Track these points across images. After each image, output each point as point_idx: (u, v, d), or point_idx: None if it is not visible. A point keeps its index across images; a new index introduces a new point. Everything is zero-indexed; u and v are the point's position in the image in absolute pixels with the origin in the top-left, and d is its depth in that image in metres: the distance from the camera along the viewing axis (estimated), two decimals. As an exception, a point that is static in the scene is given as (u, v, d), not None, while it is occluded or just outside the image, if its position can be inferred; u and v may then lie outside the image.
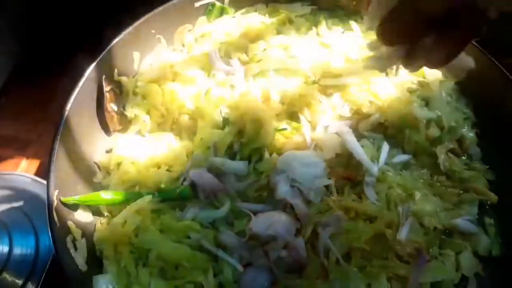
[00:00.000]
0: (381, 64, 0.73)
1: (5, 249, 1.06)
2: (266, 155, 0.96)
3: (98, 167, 0.97)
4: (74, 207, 0.87)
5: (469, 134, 1.00)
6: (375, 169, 0.90)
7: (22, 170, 1.30)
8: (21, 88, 1.40)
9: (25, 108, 1.38)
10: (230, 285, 0.82)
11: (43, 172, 1.26)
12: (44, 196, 1.14)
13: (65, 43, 1.23)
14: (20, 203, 1.18)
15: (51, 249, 1.10)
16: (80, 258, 0.81)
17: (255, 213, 0.87)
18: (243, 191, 0.92)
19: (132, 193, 0.89)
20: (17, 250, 1.08)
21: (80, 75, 0.94)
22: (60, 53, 1.27)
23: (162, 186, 0.91)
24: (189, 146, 0.97)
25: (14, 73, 1.40)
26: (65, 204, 0.84)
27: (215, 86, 1.03)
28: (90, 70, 0.95)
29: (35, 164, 1.31)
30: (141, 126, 1.02)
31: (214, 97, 1.01)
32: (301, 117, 1.00)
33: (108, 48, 0.98)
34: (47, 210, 0.79)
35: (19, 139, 1.35)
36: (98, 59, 0.96)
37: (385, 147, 0.96)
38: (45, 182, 1.15)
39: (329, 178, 0.92)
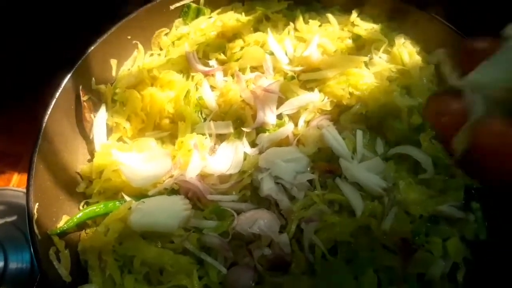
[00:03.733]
0: None
1: (0, 264, 1.06)
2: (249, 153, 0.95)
3: (81, 176, 0.97)
4: (56, 218, 0.87)
5: (452, 119, 0.98)
6: (353, 161, 0.90)
7: (14, 185, 1.31)
8: (9, 103, 1.41)
9: (15, 122, 1.38)
10: (215, 286, 0.81)
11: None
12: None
13: (46, 55, 1.23)
14: (14, 218, 1.18)
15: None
16: (63, 270, 0.81)
17: (239, 212, 0.87)
18: (226, 192, 0.91)
19: (113, 202, 0.88)
20: (12, 265, 1.08)
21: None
22: (41, 65, 1.27)
23: (148, 193, 0.90)
24: (171, 150, 0.97)
25: (1, 89, 1.40)
26: (45, 217, 0.83)
27: (194, 88, 1.02)
28: (66, 80, 0.94)
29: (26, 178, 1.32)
30: (122, 133, 1.01)
31: (193, 99, 1.00)
32: (283, 113, 0.99)
33: (84, 57, 0.98)
34: (27, 223, 0.79)
35: (10, 153, 1.35)
36: (74, 69, 0.96)
37: (359, 134, 0.95)
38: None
39: (312, 173, 0.92)
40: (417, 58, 1.03)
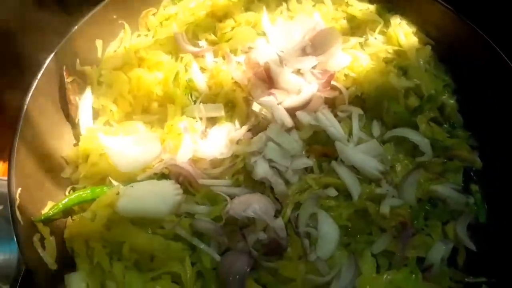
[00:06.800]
0: None
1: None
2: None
3: (66, 161, 0.93)
4: (41, 204, 0.83)
5: (450, 101, 0.97)
6: (349, 144, 0.87)
7: (0, 174, 1.26)
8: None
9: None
10: (209, 273, 0.78)
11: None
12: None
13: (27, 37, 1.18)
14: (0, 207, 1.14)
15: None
16: (49, 257, 0.77)
17: (232, 197, 0.83)
18: (219, 176, 0.88)
19: (100, 188, 0.85)
20: (-1, 255, 1.03)
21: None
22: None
23: (137, 178, 0.87)
24: (161, 134, 0.93)
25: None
26: (29, 203, 0.79)
27: (184, 69, 0.98)
28: (48, 61, 0.90)
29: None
30: (108, 116, 0.97)
31: (183, 81, 0.97)
32: (276, 94, 0.95)
33: (67, 37, 0.93)
34: (9, 208, 0.75)
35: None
36: (56, 49, 0.91)
37: (355, 117, 0.92)
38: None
39: (307, 156, 0.89)
40: (414, 39, 1.01)
